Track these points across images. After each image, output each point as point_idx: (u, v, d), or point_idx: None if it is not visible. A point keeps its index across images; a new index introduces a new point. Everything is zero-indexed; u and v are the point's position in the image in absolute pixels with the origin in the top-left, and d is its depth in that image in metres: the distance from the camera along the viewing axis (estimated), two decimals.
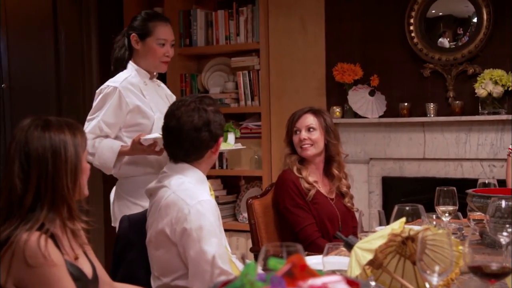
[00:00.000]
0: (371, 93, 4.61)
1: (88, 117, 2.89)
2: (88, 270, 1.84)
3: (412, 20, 4.53)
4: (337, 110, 4.66)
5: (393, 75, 4.63)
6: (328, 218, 3.06)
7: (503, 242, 1.84)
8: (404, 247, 1.78)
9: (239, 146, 3.00)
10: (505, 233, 1.84)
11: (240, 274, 1.14)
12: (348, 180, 3.24)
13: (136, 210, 2.64)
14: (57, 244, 1.74)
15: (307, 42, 4.79)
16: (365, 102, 4.59)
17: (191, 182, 2.21)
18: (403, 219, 1.74)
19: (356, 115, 4.63)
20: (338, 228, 3.06)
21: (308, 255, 2.34)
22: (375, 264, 1.71)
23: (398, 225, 1.70)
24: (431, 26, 4.56)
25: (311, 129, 3.09)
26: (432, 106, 4.43)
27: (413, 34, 4.53)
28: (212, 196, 2.30)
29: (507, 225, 1.84)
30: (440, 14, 4.57)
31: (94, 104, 2.89)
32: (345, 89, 4.64)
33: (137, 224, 2.31)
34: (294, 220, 3.02)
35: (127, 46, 2.96)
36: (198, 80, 5.10)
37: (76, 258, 1.80)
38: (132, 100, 2.84)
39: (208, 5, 5.12)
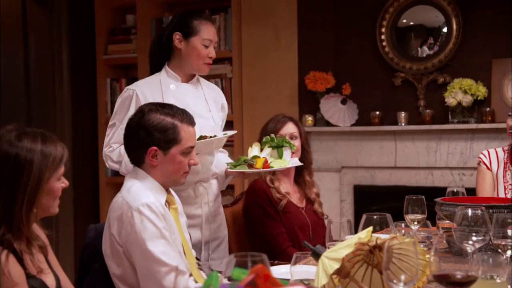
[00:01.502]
0: (343, 102, 4.64)
1: (110, 123, 2.77)
2: (51, 283, 1.80)
3: (383, 30, 4.57)
4: (309, 118, 4.68)
5: (365, 83, 4.66)
6: (299, 227, 3.06)
7: (469, 251, 1.85)
8: (371, 256, 1.78)
9: (296, 163, 2.78)
10: (471, 242, 1.85)
11: (203, 284, 1.13)
12: (316, 188, 3.25)
13: None
14: (20, 257, 1.70)
15: (279, 51, 4.80)
16: (337, 111, 4.61)
17: (141, 186, 2.17)
18: (370, 228, 1.74)
19: (328, 124, 4.65)
20: (309, 237, 3.05)
21: (278, 264, 2.34)
22: (342, 273, 1.71)
23: (365, 234, 1.70)
24: (402, 36, 4.61)
25: (294, 138, 3.10)
26: (403, 115, 4.47)
27: (384, 43, 4.57)
28: (175, 209, 2.27)
29: (473, 234, 1.85)
30: (411, 23, 4.62)
31: (115, 109, 2.78)
32: (317, 97, 4.66)
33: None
34: (264, 230, 3.01)
35: (165, 46, 2.79)
36: None
37: (40, 271, 1.76)
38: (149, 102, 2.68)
39: None
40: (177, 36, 2.74)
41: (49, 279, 1.80)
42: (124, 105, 2.71)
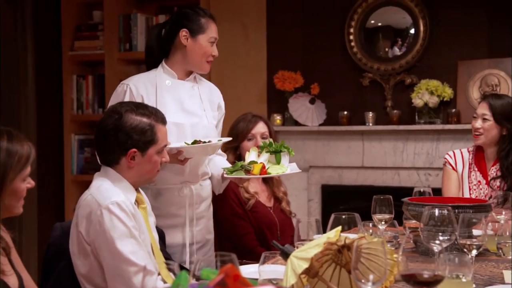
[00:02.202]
0: (312, 101, 4.65)
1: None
2: (14, 283, 1.76)
3: (352, 30, 4.60)
4: (278, 117, 4.68)
5: (333, 83, 4.68)
6: (267, 226, 3.06)
7: (436, 250, 1.87)
8: (340, 255, 1.78)
9: (295, 169, 2.67)
10: (437, 241, 1.87)
11: (172, 284, 1.11)
12: (283, 186, 3.26)
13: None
14: None
15: (248, 49, 4.79)
16: (305, 110, 4.62)
17: (111, 185, 2.15)
18: (339, 228, 1.74)
19: (296, 123, 4.66)
20: (277, 236, 3.06)
21: (246, 263, 2.33)
22: (311, 272, 1.71)
23: (333, 234, 1.70)
24: (370, 36, 4.64)
25: (265, 137, 3.11)
26: (370, 115, 4.50)
27: (352, 44, 4.60)
28: (144, 208, 2.24)
29: (440, 233, 1.87)
30: (379, 24, 4.65)
31: (109, 104, 2.68)
32: (286, 96, 4.66)
33: (69, 233, 2.24)
34: (232, 229, 3.00)
35: (165, 42, 2.73)
36: None
37: (2, 272, 1.71)
38: (142, 97, 2.64)
39: (149, 10, 5.06)
40: (183, 32, 2.68)
41: (12, 280, 1.76)
42: (118, 100, 2.64)
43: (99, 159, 2.25)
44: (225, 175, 2.67)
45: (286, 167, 2.63)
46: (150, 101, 2.61)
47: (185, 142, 2.56)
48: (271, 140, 2.79)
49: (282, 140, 2.75)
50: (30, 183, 1.79)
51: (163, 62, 2.75)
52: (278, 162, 2.63)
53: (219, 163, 2.83)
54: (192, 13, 2.73)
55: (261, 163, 2.61)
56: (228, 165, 2.77)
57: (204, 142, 2.58)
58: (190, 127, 2.66)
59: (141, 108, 2.22)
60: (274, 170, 2.60)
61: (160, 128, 2.22)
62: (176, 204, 2.71)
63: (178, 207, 2.71)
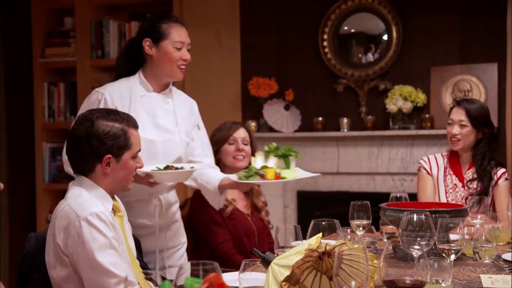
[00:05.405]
0: (286, 108, 4.65)
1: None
2: None
3: (325, 36, 4.61)
4: (253, 124, 4.67)
5: (308, 90, 4.69)
6: (245, 233, 3.05)
7: (415, 255, 1.87)
8: (320, 262, 1.77)
9: (307, 174, 2.57)
10: (417, 246, 1.87)
11: None
12: (263, 197, 3.25)
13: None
14: None
15: (222, 56, 4.77)
16: (280, 117, 4.62)
17: (88, 194, 2.11)
18: (320, 234, 1.73)
19: (271, 129, 4.65)
20: (254, 244, 3.04)
21: (224, 271, 2.30)
22: (292, 280, 1.70)
23: (314, 240, 1.69)
24: (344, 43, 4.66)
25: (246, 142, 3.11)
26: (345, 121, 4.52)
27: (326, 50, 4.61)
28: (120, 217, 2.21)
29: (419, 239, 1.87)
30: (353, 31, 4.68)
31: (80, 110, 2.64)
32: (261, 103, 4.66)
33: (45, 243, 2.20)
34: (210, 236, 2.98)
35: (136, 55, 2.67)
36: None
37: None
38: (116, 108, 2.55)
39: (121, 17, 5.01)
40: (147, 42, 2.63)
41: None
42: (90, 107, 2.55)
43: (72, 169, 2.20)
44: (238, 181, 2.58)
45: (298, 172, 2.56)
46: (122, 110, 2.49)
47: (156, 167, 2.49)
48: (275, 144, 2.69)
49: (287, 145, 2.67)
50: None
51: (140, 72, 2.70)
52: (287, 166, 2.57)
53: (214, 174, 2.75)
54: (153, 21, 2.67)
55: (272, 168, 2.55)
56: (223, 176, 2.70)
57: (176, 168, 2.52)
58: (161, 144, 2.61)
59: (112, 114, 2.19)
60: (289, 175, 2.52)
61: (132, 133, 2.19)
62: (147, 214, 2.68)
63: (150, 217, 2.68)
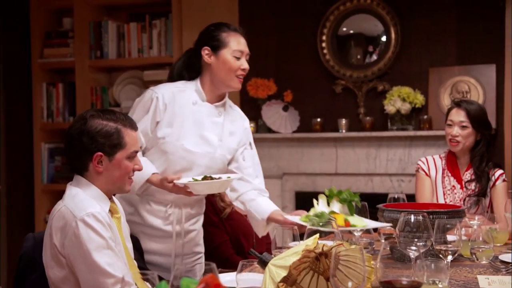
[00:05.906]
0: (285, 109, 4.66)
1: None
2: None
3: (324, 37, 4.62)
4: (251, 125, 4.66)
5: (306, 91, 4.70)
6: (243, 234, 3.06)
7: (412, 256, 1.87)
8: (317, 263, 1.77)
9: (375, 223, 2.45)
10: (414, 247, 1.87)
11: None
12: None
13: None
14: None
15: None
16: (279, 118, 4.63)
17: (84, 195, 2.11)
18: (317, 235, 1.74)
19: (269, 130, 4.66)
20: (252, 245, 3.05)
21: (222, 272, 2.31)
22: (289, 280, 1.70)
23: (311, 241, 1.70)
24: (342, 44, 4.67)
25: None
26: (343, 122, 4.52)
27: (325, 51, 4.62)
28: (118, 218, 2.21)
29: (416, 239, 1.88)
30: (351, 32, 4.68)
31: (133, 107, 2.65)
32: (259, 104, 4.66)
33: (42, 243, 2.20)
34: (208, 238, 2.98)
35: (195, 65, 2.66)
36: (110, 93, 4.97)
37: None
38: (166, 106, 2.57)
39: (120, 17, 5.02)
40: (205, 51, 2.61)
41: None
42: (144, 106, 2.60)
43: (70, 168, 2.21)
44: (310, 227, 2.23)
45: (365, 222, 2.45)
46: (171, 114, 2.57)
47: (193, 178, 2.48)
48: (334, 187, 2.60)
49: (347, 189, 2.57)
50: None
51: (198, 80, 2.67)
52: (351, 213, 2.46)
53: (262, 206, 2.68)
54: (212, 30, 2.66)
55: (341, 214, 2.44)
56: (273, 208, 2.62)
57: (213, 178, 2.48)
58: (200, 156, 2.60)
59: (107, 113, 2.18)
60: (358, 223, 2.41)
61: (128, 133, 2.17)
62: (163, 218, 2.68)
63: (167, 222, 2.68)
